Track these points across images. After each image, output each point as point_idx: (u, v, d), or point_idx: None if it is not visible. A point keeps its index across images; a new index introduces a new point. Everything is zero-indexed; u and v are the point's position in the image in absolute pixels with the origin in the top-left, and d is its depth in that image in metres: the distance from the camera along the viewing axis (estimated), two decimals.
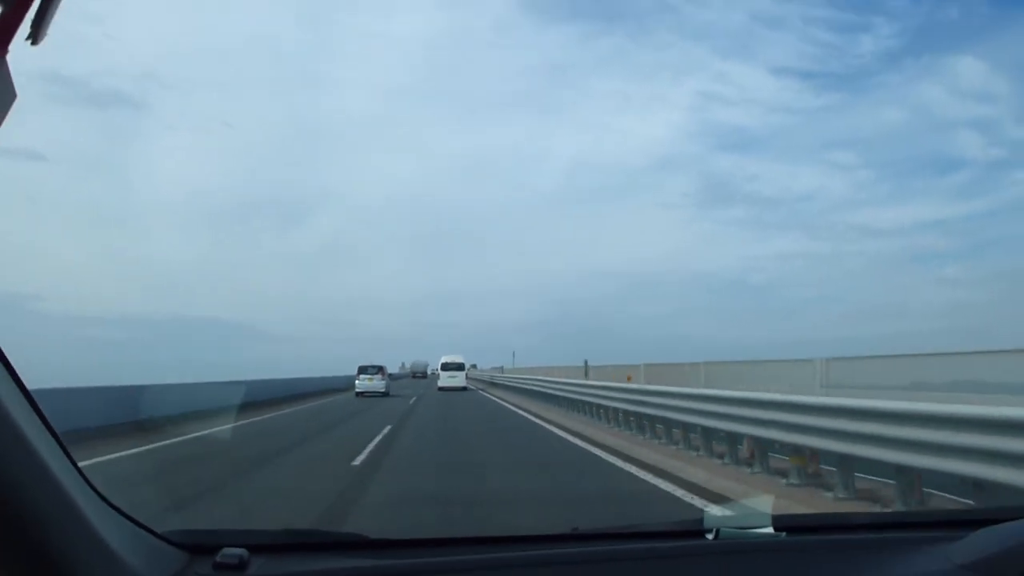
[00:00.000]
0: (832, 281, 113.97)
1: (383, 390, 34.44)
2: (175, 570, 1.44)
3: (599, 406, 17.39)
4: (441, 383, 44.98)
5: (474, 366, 71.05)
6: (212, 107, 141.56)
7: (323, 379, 40.50)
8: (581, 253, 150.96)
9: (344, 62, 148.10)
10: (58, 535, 1.12)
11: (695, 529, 1.71)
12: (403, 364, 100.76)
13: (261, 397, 24.33)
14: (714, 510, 1.57)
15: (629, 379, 19.25)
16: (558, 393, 22.66)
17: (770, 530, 1.67)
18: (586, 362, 28.13)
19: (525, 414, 22.19)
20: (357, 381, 34.98)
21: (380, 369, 35.93)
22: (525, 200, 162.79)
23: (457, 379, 44.53)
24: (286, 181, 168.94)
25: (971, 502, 6.00)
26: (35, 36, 1.12)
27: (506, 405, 27.85)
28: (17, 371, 1.16)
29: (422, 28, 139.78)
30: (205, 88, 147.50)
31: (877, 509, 7.37)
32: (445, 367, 46.53)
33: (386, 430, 16.01)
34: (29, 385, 1.20)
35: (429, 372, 70.20)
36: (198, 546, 1.51)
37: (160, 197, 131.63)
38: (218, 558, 1.45)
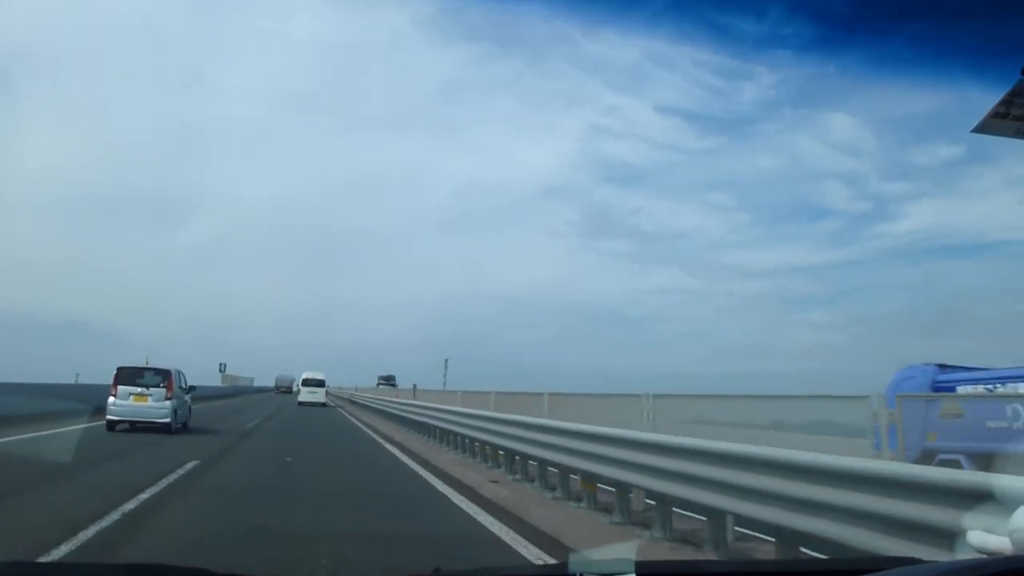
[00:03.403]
0: (706, 318, 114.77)
1: (166, 419, 18.45)
2: None
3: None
4: (301, 398, 46.85)
5: (391, 378, 60.95)
6: (84, 93, 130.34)
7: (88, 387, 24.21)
8: (467, 276, 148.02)
9: (232, 63, 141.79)
10: None
11: (559, 574, 1.71)
12: (222, 366, 73.23)
13: None
14: (579, 555, 1.82)
15: (398, 396, 31.82)
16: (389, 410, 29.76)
17: None
18: (414, 386, 35.14)
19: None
20: (112, 399, 18.54)
21: (165, 377, 18.95)
22: (412, 220, 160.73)
23: (317, 395, 46.56)
24: (160, 179, 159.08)
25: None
26: None
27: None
28: None
29: (316, 36, 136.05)
30: (78, 72, 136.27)
31: None
32: (306, 383, 48.43)
33: None
34: None
35: (294, 388, 64.00)
36: None
37: (19, 183, 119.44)
38: None
